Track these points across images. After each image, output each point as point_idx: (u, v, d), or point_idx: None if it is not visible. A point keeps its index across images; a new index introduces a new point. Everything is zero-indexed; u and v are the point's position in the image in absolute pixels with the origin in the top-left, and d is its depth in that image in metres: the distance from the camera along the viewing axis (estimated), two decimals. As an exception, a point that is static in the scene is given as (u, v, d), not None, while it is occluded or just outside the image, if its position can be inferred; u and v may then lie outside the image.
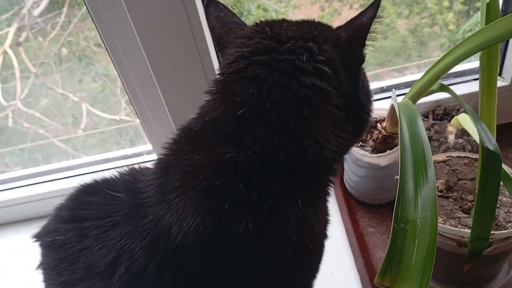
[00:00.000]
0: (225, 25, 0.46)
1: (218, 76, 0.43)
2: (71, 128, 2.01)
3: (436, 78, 0.53)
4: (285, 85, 0.38)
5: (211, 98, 0.42)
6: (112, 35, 0.64)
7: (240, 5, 2.90)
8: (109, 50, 0.66)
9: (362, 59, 0.44)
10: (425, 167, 0.41)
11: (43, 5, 1.51)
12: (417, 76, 0.77)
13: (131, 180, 0.45)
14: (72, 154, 1.82)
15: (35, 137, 1.66)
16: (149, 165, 0.47)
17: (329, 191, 0.45)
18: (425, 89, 0.54)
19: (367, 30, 0.41)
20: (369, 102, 0.46)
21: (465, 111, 0.68)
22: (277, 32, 0.41)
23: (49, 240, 0.45)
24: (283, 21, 0.44)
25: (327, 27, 0.44)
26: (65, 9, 1.64)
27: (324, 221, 0.46)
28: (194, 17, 0.60)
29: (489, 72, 0.52)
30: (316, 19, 0.46)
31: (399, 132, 0.45)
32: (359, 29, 0.41)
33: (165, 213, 0.38)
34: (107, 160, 0.82)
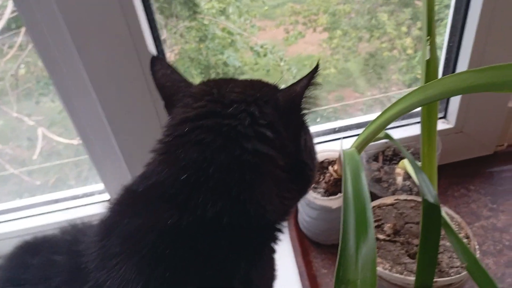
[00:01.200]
0: (173, 83, 0.46)
1: (163, 137, 0.42)
2: (26, 152, 1.94)
3: (379, 130, 0.55)
4: (228, 150, 0.39)
5: (156, 160, 0.41)
6: (62, 75, 0.62)
7: (204, 28, 2.89)
8: (58, 91, 0.64)
9: (302, 123, 0.45)
10: (366, 225, 0.42)
11: (0, 25, 1.46)
12: (367, 117, 0.79)
13: (71, 241, 0.44)
14: (26, 180, 1.75)
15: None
16: (95, 222, 0.46)
17: (274, 247, 0.45)
18: (369, 139, 0.56)
19: (300, 99, 0.42)
20: (312, 161, 0.47)
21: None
22: (222, 94, 0.42)
23: None
24: (231, 81, 0.45)
25: (271, 89, 0.45)
26: (23, 29, 1.60)
27: (270, 276, 0.46)
28: (147, 63, 0.60)
29: (429, 124, 0.54)
30: (264, 79, 0.46)
31: (342, 187, 0.46)
32: (293, 97, 0.42)
33: (105, 281, 0.37)
34: (56, 201, 0.79)
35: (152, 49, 0.62)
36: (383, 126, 0.54)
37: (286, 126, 0.42)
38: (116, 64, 0.60)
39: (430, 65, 0.52)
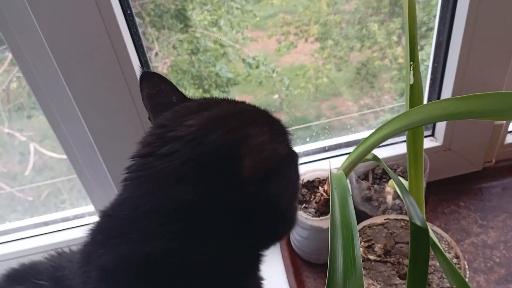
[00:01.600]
0: (153, 107, 0.45)
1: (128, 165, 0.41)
2: (18, 167, 1.93)
3: (367, 152, 0.55)
4: (155, 195, 0.38)
5: (122, 185, 0.40)
6: (48, 101, 0.63)
7: (196, 41, 2.91)
8: (46, 115, 0.64)
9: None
10: (353, 256, 0.43)
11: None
12: (355, 135, 0.80)
13: (57, 267, 0.44)
14: (18, 196, 1.74)
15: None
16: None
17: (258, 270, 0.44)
18: (358, 161, 0.57)
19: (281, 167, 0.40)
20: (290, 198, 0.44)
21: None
22: (172, 128, 0.40)
23: None
24: (212, 106, 0.42)
25: (242, 137, 0.40)
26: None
27: None
28: (135, 87, 0.60)
29: (415, 148, 0.55)
30: (252, 113, 0.44)
31: (330, 213, 0.47)
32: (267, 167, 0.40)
33: None
34: (46, 223, 0.79)
35: (137, 71, 0.62)
36: (370, 149, 0.55)
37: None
38: (103, 89, 0.60)
39: (414, 90, 0.53)
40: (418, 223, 0.50)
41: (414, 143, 0.54)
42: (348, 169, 0.57)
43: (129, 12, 0.58)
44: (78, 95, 0.59)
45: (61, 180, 2.08)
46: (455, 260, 0.61)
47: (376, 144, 0.54)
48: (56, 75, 0.58)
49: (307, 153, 0.79)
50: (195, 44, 2.83)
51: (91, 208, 0.79)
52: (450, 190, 0.80)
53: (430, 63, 0.71)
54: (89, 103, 0.60)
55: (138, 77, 0.48)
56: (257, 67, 2.94)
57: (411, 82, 0.53)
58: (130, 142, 0.65)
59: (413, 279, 0.52)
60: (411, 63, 0.52)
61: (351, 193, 0.50)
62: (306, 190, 0.73)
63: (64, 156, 2.08)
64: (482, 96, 0.39)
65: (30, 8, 0.51)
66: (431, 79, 0.72)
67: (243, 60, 2.95)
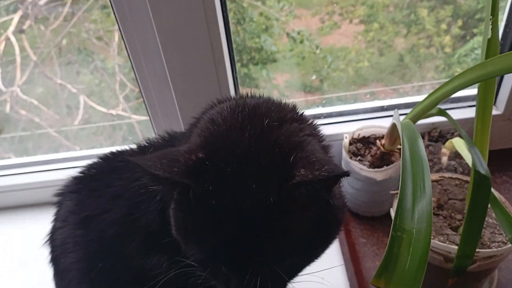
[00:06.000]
0: None
1: None
2: (66, 118, 2.02)
3: (435, 103, 0.57)
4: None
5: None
6: (135, 37, 0.66)
7: (243, 11, 2.92)
8: (129, 51, 0.69)
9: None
10: (423, 183, 0.45)
11: (47, -6, 1.52)
12: (415, 98, 0.81)
13: None
14: (65, 144, 1.82)
15: (28, 125, 1.67)
16: None
17: None
18: (424, 112, 0.58)
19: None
20: None
21: (460, 136, 0.72)
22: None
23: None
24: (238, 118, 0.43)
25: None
26: (69, 1, 1.66)
27: None
28: (214, 27, 0.64)
29: (485, 102, 0.56)
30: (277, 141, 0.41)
31: (401, 150, 0.49)
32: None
33: None
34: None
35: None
36: (439, 100, 0.56)
37: None
38: (185, 29, 0.64)
39: (491, 43, 0.54)
40: (482, 171, 0.51)
41: (485, 97, 0.56)
42: (415, 119, 0.59)
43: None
44: (162, 29, 0.63)
45: (104, 136, 2.17)
46: (508, 219, 0.62)
47: (446, 96, 0.55)
48: (145, 10, 0.61)
49: (364, 111, 0.81)
50: (241, 14, 2.84)
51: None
52: (504, 161, 0.80)
53: (502, 25, 0.71)
54: (170, 37, 0.63)
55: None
56: (301, 42, 2.92)
57: (489, 36, 0.54)
58: (202, 81, 0.69)
59: (469, 227, 0.53)
60: (491, 17, 0.53)
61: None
62: (361, 145, 0.76)
63: (112, 111, 2.14)
64: None
65: None
66: (501, 45, 0.72)
67: (288, 34, 2.94)
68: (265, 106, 0.43)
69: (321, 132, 0.48)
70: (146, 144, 0.52)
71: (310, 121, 0.47)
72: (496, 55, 0.54)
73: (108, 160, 0.53)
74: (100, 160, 0.53)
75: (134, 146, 0.54)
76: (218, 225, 0.38)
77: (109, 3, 0.63)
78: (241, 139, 0.39)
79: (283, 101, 0.48)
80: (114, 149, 0.55)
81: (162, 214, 0.44)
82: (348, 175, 0.38)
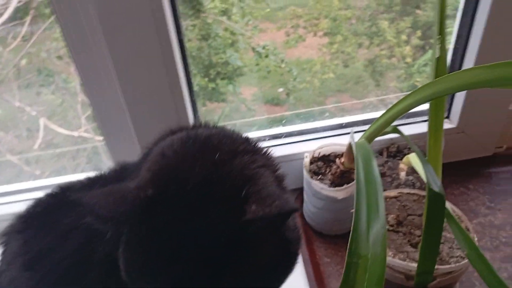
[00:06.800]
0: None
1: None
2: (26, 142, 1.95)
3: (389, 122, 0.57)
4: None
5: None
6: (88, 64, 0.65)
7: (208, 27, 2.91)
8: (82, 76, 0.66)
9: None
10: (376, 206, 0.45)
11: (6, 14, 1.48)
12: (373, 114, 0.82)
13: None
14: (25, 170, 1.76)
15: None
16: None
17: None
18: (379, 131, 0.59)
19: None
20: None
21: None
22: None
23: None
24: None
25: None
26: (28, 20, 1.62)
27: None
28: (169, 52, 0.63)
29: (436, 119, 0.57)
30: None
31: (355, 173, 0.49)
32: None
33: None
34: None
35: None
36: (393, 119, 0.57)
37: None
38: (139, 50, 0.62)
39: (440, 62, 0.55)
40: (436, 189, 0.52)
41: (436, 115, 0.57)
42: (370, 138, 0.59)
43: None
44: (115, 52, 0.61)
45: (67, 158, 2.10)
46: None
47: (400, 114, 0.56)
48: (99, 36, 0.60)
49: (324, 129, 0.81)
50: (206, 30, 2.83)
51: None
52: (460, 173, 0.82)
53: (452, 41, 0.73)
54: (124, 61, 0.62)
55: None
56: (266, 56, 2.94)
57: (438, 55, 0.55)
58: (159, 109, 0.68)
59: (426, 245, 0.54)
60: (439, 36, 0.54)
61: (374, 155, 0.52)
62: (322, 163, 0.76)
63: (73, 133, 2.08)
64: (508, 63, 0.42)
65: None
66: (452, 59, 0.74)
67: (253, 49, 2.95)
68: (217, 138, 0.42)
69: (276, 161, 0.47)
70: (96, 177, 0.50)
71: (264, 151, 0.46)
72: (445, 73, 0.56)
73: (55, 196, 0.50)
74: (46, 196, 0.51)
75: (83, 178, 0.52)
76: (171, 265, 0.36)
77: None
78: (192, 174, 0.38)
79: (236, 132, 0.47)
80: (63, 180, 0.53)
81: (112, 256, 0.42)
82: (298, 211, 0.38)
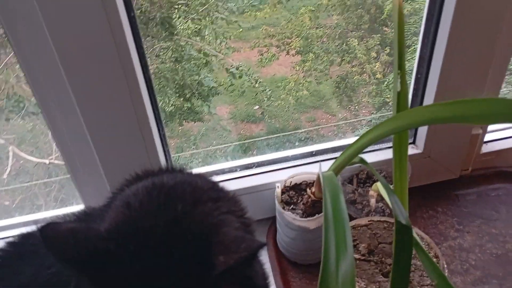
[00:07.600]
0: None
1: None
2: (-5, 170, 1.89)
3: (355, 154, 0.58)
4: None
5: None
6: (48, 99, 0.63)
7: (181, 49, 2.91)
8: (43, 110, 0.65)
9: None
10: (344, 243, 0.45)
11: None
12: (342, 141, 0.83)
13: None
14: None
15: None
16: None
17: None
18: (345, 163, 0.60)
19: None
20: None
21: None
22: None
23: None
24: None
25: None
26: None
27: None
28: (135, 89, 0.62)
29: (400, 151, 0.58)
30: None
31: (323, 208, 0.49)
32: None
33: None
34: (25, 224, 0.79)
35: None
36: (358, 151, 0.58)
37: None
38: (103, 85, 0.62)
39: (401, 97, 0.57)
40: (403, 221, 0.53)
41: (400, 147, 0.58)
42: (337, 170, 0.60)
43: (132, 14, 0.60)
44: (78, 90, 0.60)
45: (38, 185, 2.04)
46: (434, 260, 0.64)
47: (365, 147, 0.57)
48: (57, 68, 0.59)
49: (294, 157, 0.82)
50: (179, 52, 2.82)
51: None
52: (428, 196, 0.84)
53: (413, 75, 0.76)
54: (88, 98, 0.61)
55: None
56: (240, 76, 2.95)
57: (399, 89, 0.56)
58: (126, 142, 0.67)
59: (396, 276, 0.54)
60: (399, 71, 0.56)
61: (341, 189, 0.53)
62: (294, 193, 0.76)
63: (44, 160, 2.03)
64: (466, 101, 0.43)
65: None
66: (414, 89, 0.76)
67: (227, 70, 2.96)
68: (181, 188, 0.42)
69: (242, 205, 0.47)
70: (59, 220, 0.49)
71: (230, 195, 0.46)
72: (406, 107, 0.57)
73: (16, 246, 0.49)
74: (6, 246, 0.49)
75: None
76: None
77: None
78: (154, 228, 0.38)
79: (203, 177, 0.47)
80: (24, 230, 0.51)
81: None
82: (265, 246, 0.38)
